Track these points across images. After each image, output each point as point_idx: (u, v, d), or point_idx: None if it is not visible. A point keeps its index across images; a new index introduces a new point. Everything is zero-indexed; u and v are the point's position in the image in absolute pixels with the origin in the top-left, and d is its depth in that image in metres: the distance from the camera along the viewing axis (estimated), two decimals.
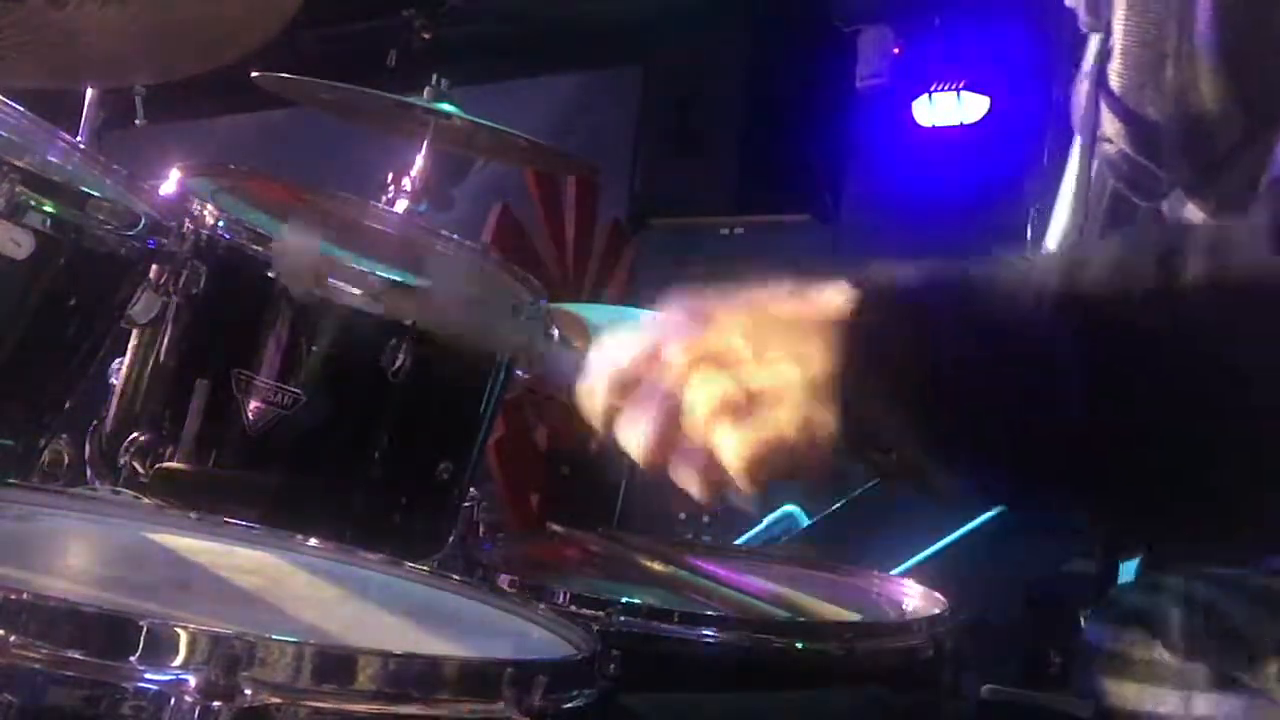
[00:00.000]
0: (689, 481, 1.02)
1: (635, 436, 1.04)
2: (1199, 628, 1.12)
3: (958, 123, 4.38)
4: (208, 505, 1.47)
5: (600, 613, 1.49)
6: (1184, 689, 1.11)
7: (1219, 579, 1.14)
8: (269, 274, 1.71)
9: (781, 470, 0.98)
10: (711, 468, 1.00)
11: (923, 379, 0.92)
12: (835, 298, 0.95)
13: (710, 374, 0.99)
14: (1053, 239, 1.33)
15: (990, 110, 4.35)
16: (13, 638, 0.90)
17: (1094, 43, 1.22)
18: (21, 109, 1.76)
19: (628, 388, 1.05)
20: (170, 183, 1.75)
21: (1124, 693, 1.18)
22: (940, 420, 0.92)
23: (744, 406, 0.97)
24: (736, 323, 1.00)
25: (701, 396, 0.99)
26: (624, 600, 1.56)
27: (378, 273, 1.73)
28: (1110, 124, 1.20)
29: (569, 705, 1.04)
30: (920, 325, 0.92)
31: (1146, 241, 0.89)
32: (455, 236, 2.09)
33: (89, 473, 1.76)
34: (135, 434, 1.73)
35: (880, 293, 0.95)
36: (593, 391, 1.06)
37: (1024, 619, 2.72)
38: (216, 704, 0.90)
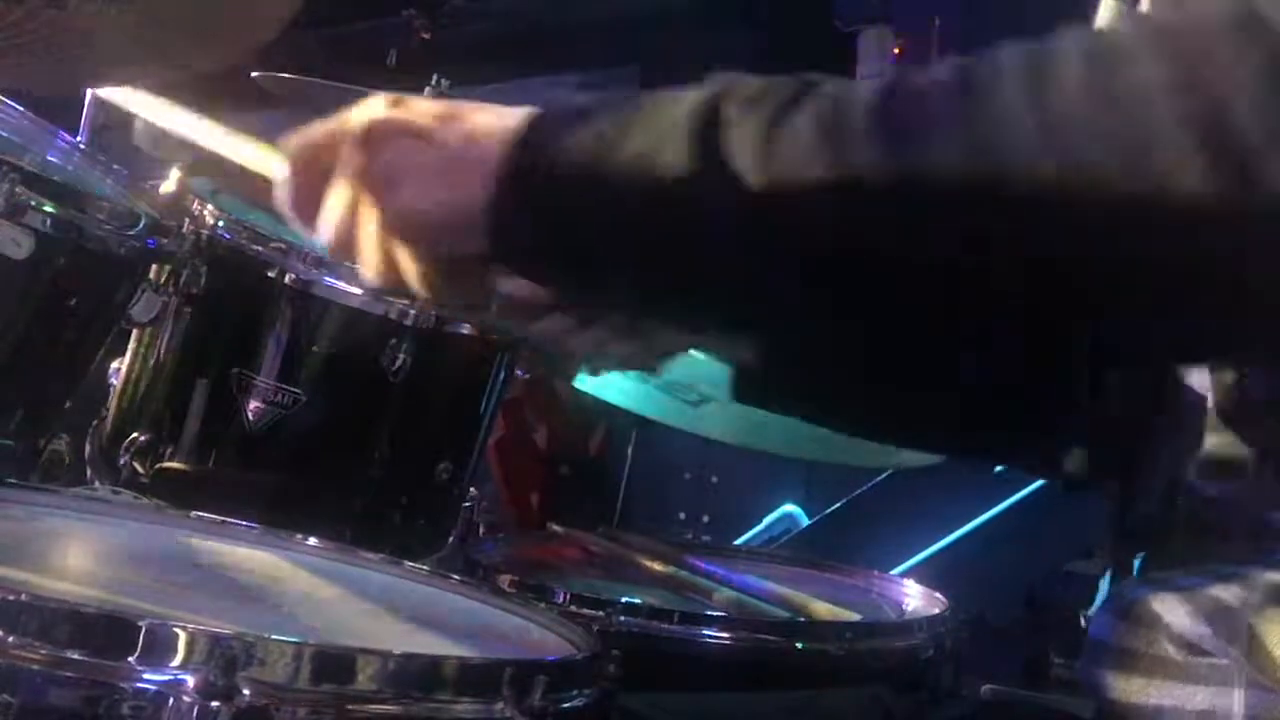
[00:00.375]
0: (367, 266, 1.00)
1: (316, 214, 1.01)
2: (1202, 622, 1.12)
3: None
4: (208, 505, 1.47)
5: (600, 613, 1.49)
6: (1187, 683, 1.11)
7: (1223, 573, 1.14)
8: (269, 274, 1.71)
9: (440, 258, 0.97)
10: (388, 263, 0.98)
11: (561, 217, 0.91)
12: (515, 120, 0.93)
13: (392, 138, 0.98)
14: None
15: None
16: (12, 638, 0.90)
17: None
18: (21, 109, 1.76)
19: (312, 162, 1.02)
20: (170, 183, 1.75)
21: (1127, 687, 1.18)
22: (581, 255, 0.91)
23: (419, 168, 0.96)
24: (428, 111, 0.99)
25: (376, 171, 0.97)
26: (624, 600, 1.56)
27: None
28: None
29: (568, 705, 1.04)
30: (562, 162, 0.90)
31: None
32: None
33: (89, 473, 1.76)
34: (135, 434, 1.73)
35: (543, 124, 0.92)
36: (281, 173, 1.03)
37: (1024, 619, 2.72)
38: (215, 704, 0.90)
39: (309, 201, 1.02)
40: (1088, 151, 0.75)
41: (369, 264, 1.00)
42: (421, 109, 1.00)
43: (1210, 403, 1.15)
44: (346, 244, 1.01)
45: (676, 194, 0.84)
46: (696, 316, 0.95)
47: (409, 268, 0.99)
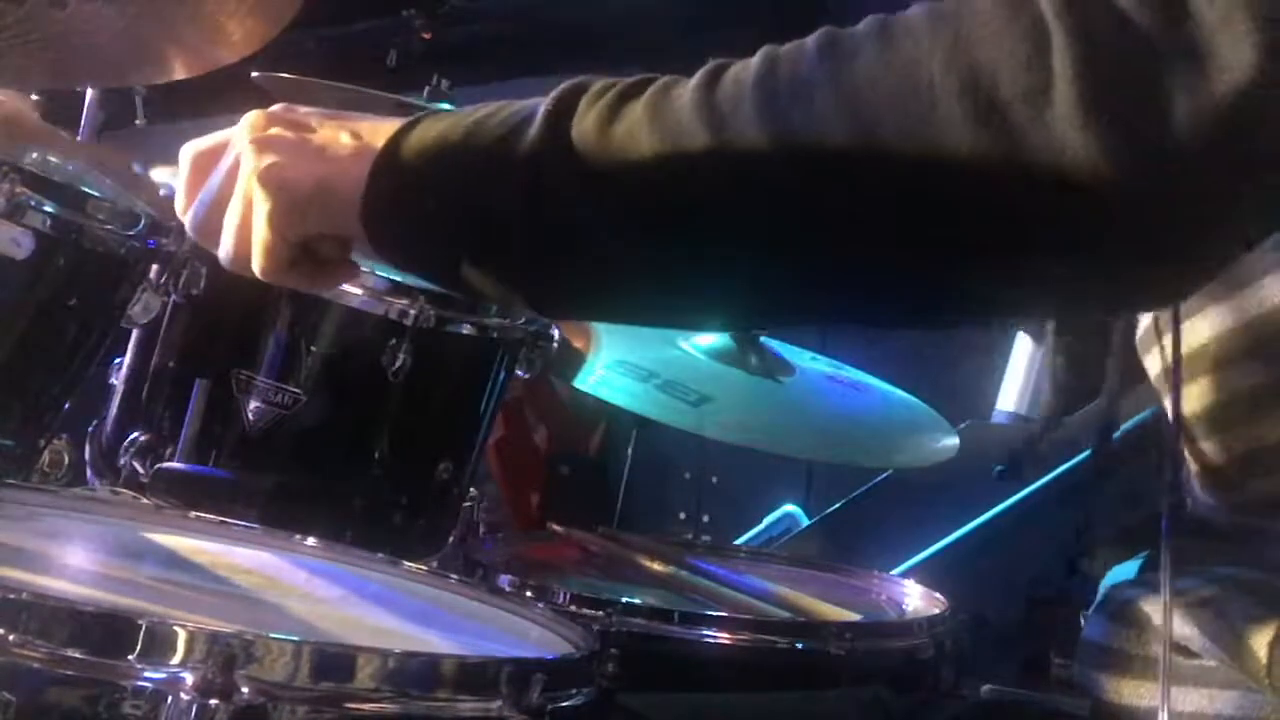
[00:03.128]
0: (224, 237, 1.05)
1: (197, 207, 1.07)
2: (1190, 624, 1.12)
3: None
4: (208, 505, 1.47)
5: (600, 613, 1.49)
6: (1176, 685, 1.11)
7: (1217, 575, 1.14)
8: None
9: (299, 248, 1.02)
10: (243, 231, 1.03)
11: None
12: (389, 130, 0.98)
13: (272, 130, 1.03)
14: None
15: None
16: (12, 636, 0.91)
17: None
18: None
19: (202, 162, 1.07)
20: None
21: (1119, 688, 1.19)
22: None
23: (291, 150, 1.01)
24: (315, 111, 1.05)
25: (254, 145, 1.02)
26: (624, 600, 1.56)
27: (378, 273, 1.73)
28: None
29: (567, 704, 1.04)
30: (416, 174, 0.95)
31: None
32: None
33: (89, 473, 1.76)
34: (135, 434, 1.73)
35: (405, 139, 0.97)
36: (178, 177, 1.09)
37: (1024, 619, 2.71)
38: (214, 702, 0.90)
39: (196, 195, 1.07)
40: (878, 119, 0.79)
41: (226, 234, 1.04)
42: (308, 111, 1.05)
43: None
44: (212, 220, 1.05)
45: (528, 172, 0.89)
46: (558, 299, 0.98)
47: (261, 239, 1.02)
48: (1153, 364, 1.25)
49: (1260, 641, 1.09)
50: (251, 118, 1.04)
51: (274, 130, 1.03)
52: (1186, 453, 1.21)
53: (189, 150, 1.09)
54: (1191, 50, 0.73)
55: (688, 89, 0.87)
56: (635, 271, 0.90)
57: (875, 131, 0.79)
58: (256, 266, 1.04)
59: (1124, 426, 1.73)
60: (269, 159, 1.01)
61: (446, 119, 0.96)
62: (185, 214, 1.09)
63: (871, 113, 0.80)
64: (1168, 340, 1.16)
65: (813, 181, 0.82)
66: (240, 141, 1.03)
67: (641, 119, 0.87)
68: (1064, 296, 0.87)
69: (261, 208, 1.01)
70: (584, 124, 0.89)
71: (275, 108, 1.06)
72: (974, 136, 0.77)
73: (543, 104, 0.91)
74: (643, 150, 0.86)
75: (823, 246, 0.85)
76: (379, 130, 0.98)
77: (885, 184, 0.81)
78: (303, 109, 1.05)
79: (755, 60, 0.87)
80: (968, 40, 0.78)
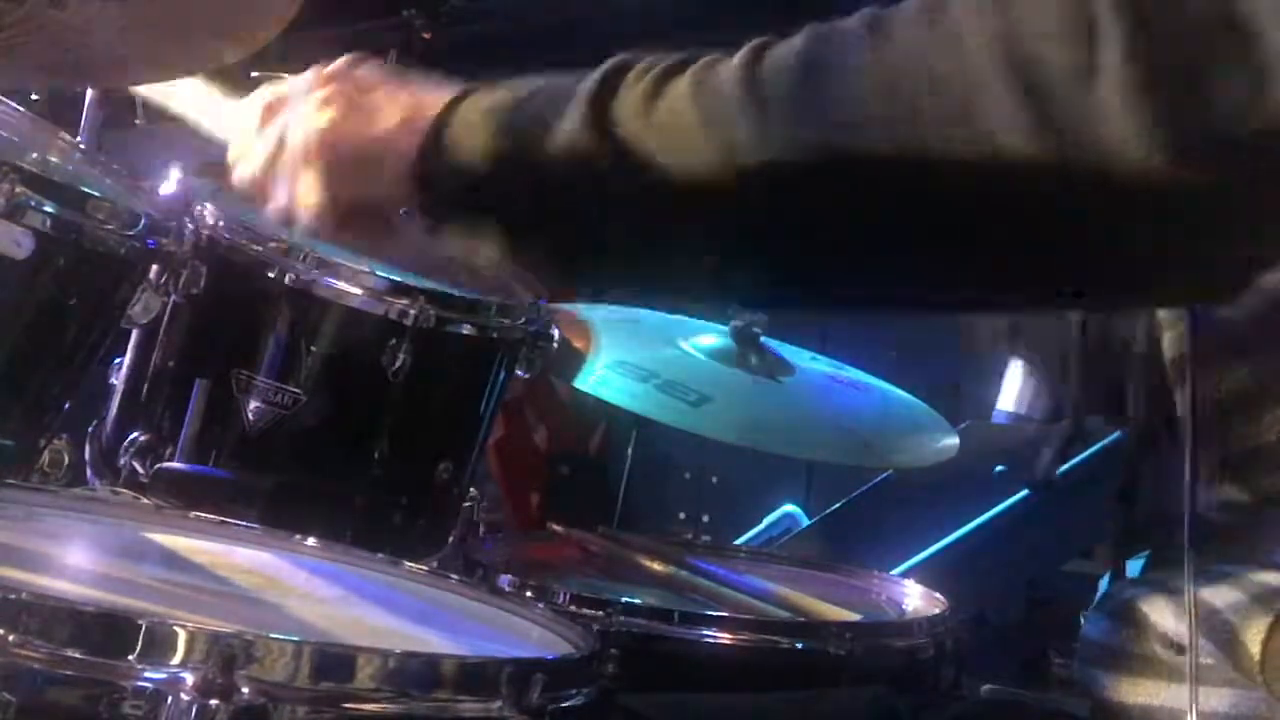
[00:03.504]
0: (275, 194, 1.07)
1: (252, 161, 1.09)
2: (1192, 622, 1.12)
3: None
4: (208, 505, 1.47)
5: (600, 613, 1.49)
6: (1173, 683, 1.12)
7: (1216, 574, 1.14)
8: (269, 274, 1.71)
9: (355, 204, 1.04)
10: (293, 189, 1.05)
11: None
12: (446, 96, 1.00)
13: (329, 89, 1.05)
14: None
15: None
16: (12, 637, 0.91)
17: None
18: (21, 109, 1.76)
19: (266, 116, 1.10)
20: (170, 183, 1.75)
21: (1117, 687, 1.19)
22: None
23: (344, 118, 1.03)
24: (374, 76, 1.06)
25: (311, 105, 1.05)
26: (624, 600, 1.56)
27: (378, 273, 1.73)
28: None
29: (567, 704, 1.04)
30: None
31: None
32: None
33: (89, 473, 1.76)
34: (135, 434, 1.73)
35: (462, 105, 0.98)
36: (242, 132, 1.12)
37: (1024, 619, 2.71)
38: (214, 702, 0.90)
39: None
40: (920, 101, 0.79)
41: (278, 190, 1.05)
42: (366, 72, 1.07)
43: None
44: (264, 175, 1.07)
45: (571, 156, 0.90)
46: (599, 271, 1.00)
47: (310, 199, 1.03)
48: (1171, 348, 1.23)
49: (1253, 638, 1.09)
50: (311, 75, 1.06)
51: (331, 90, 1.04)
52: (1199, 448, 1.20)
53: (255, 101, 1.11)
54: (1247, 41, 0.72)
55: (731, 67, 0.87)
56: (678, 245, 0.91)
57: (915, 112, 0.79)
58: (306, 223, 1.04)
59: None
60: (322, 120, 1.03)
61: (492, 96, 0.97)
62: (236, 163, 1.10)
63: (911, 91, 0.79)
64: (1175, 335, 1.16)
65: (852, 160, 0.81)
66: (297, 99, 1.05)
67: (685, 95, 0.87)
68: (1110, 284, 0.86)
69: (311, 168, 1.03)
70: (626, 101, 0.89)
71: (335, 66, 1.07)
72: (1017, 114, 0.76)
73: (586, 82, 0.92)
74: (686, 126, 0.87)
75: (859, 225, 0.85)
76: (429, 102, 0.99)
77: (924, 169, 0.79)
78: (362, 69, 1.07)
79: (799, 38, 0.86)
80: (1016, 19, 0.77)
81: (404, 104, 1.01)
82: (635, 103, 0.89)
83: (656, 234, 0.90)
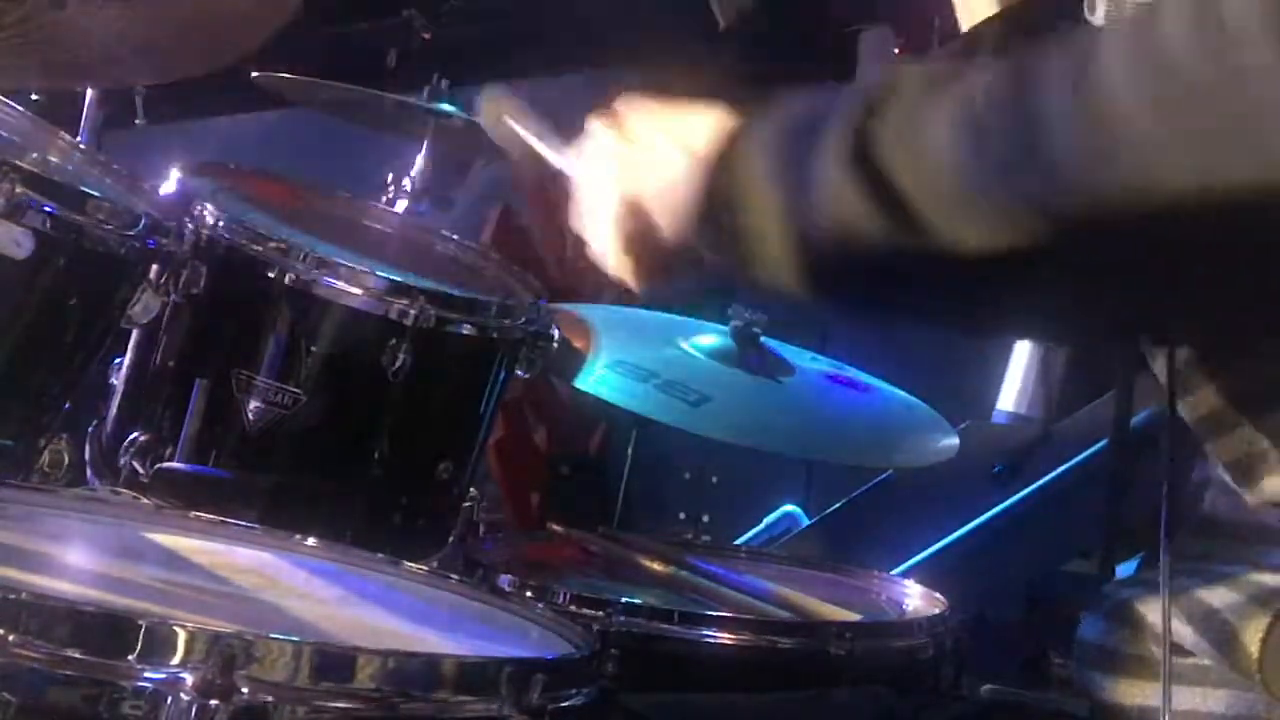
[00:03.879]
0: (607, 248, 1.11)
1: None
2: (1184, 623, 1.12)
3: None
4: (208, 505, 1.47)
5: (600, 613, 1.49)
6: (1174, 683, 1.11)
7: (1214, 574, 1.14)
8: (269, 274, 1.71)
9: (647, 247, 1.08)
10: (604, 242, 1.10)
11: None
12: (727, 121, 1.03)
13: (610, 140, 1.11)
14: None
15: None
16: (12, 637, 0.91)
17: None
18: (21, 109, 1.76)
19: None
20: (170, 183, 1.75)
21: (1115, 687, 1.19)
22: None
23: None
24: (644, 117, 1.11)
25: (595, 158, 1.12)
26: (624, 600, 1.56)
27: (378, 273, 1.73)
28: None
29: (567, 704, 1.04)
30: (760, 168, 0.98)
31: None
32: (455, 236, 2.09)
33: (89, 473, 1.76)
34: (135, 434, 1.73)
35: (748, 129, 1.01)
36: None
37: (1024, 619, 2.72)
38: (214, 702, 0.90)
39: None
40: (1204, 134, 0.79)
41: (608, 244, 1.10)
42: (638, 114, 1.13)
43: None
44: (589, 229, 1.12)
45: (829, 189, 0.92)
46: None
47: (614, 251, 1.09)
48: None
49: (1252, 638, 1.09)
50: (597, 125, 1.13)
51: (612, 141, 1.11)
52: (1213, 447, 1.20)
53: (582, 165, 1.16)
54: None
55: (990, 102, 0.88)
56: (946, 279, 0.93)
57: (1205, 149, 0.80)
58: (622, 276, 1.11)
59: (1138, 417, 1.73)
60: (608, 173, 1.09)
61: (757, 132, 0.99)
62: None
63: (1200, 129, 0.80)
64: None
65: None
66: (589, 155, 1.12)
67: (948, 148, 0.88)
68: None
69: (606, 219, 1.09)
70: (881, 139, 0.90)
71: (615, 112, 1.13)
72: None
73: (844, 111, 0.93)
74: (932, 158, 0.88)
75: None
76: (698, 140, 1.02)
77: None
78: (634, 111, 1.12)
79: (1003, 73, 0.88)
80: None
81: (679, 147, 1.04)
82: (890, 137, 0.90)
83: (917, 269, 0.93)
